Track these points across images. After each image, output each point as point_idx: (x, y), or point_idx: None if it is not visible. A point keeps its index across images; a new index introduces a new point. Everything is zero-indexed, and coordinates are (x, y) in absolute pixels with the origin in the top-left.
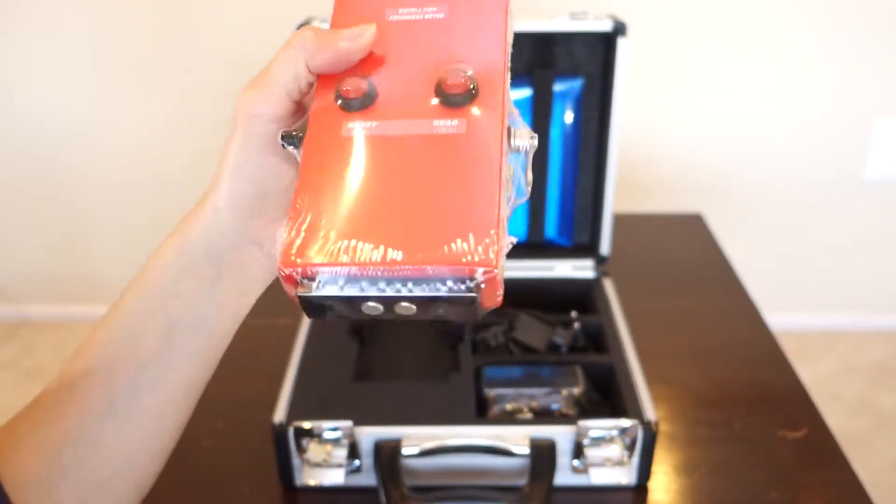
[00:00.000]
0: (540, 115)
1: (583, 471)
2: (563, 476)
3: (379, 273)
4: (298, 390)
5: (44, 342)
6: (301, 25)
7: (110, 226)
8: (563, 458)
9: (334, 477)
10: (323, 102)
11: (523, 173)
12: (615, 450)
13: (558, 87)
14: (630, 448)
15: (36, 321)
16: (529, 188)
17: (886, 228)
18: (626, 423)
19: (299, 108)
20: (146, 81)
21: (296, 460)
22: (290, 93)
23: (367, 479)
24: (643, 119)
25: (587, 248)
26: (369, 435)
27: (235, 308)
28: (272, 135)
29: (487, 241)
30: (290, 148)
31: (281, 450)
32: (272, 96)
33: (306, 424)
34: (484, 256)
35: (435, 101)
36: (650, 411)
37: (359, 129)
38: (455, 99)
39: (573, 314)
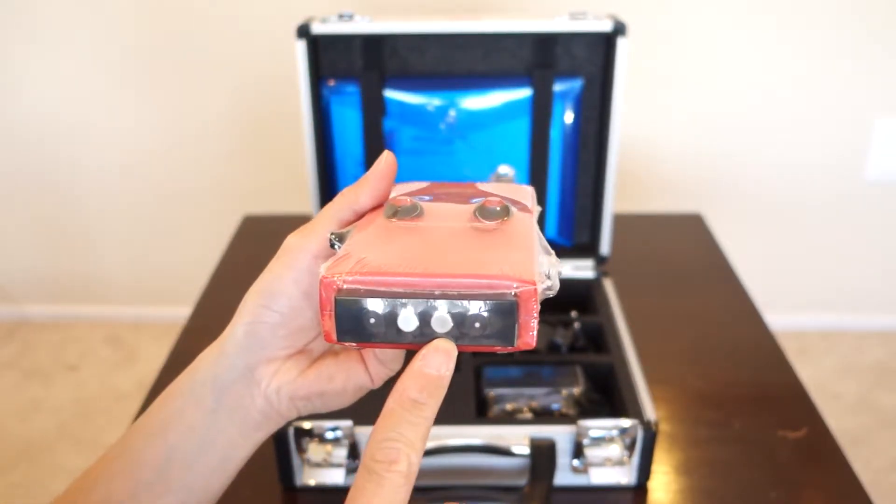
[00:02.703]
0: (540, 115)
1: (583, 471)
2: (563, 476)
3: (418, 282)
4: None
5: (44, 342)
6: (301, 26)
7: (110, 226)
8: (563, 458)
9: (334, 477)
10: (372, 214)
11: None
12: (615, 450)
13: (558, 87)
14: (630, 448)
15: (36, 321)
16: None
17: (886, 228)
18: (626, 423)
19: None
20: (147, 82)
21: (296, 460)
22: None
23: None
24: (643, 119)
25: (587, 248)
26: (369, 435)
27: (228, 448)
28: (309, 270)
29: (525, 268)
30: (338, 244)
31: (281, 450)
32: (318, 236)
33: (306, 424)
34: (522, 273)
35: (475, 217)
36: (650, 411)
37: (405, 222)
38: (493, 211)
39: (573, 314)
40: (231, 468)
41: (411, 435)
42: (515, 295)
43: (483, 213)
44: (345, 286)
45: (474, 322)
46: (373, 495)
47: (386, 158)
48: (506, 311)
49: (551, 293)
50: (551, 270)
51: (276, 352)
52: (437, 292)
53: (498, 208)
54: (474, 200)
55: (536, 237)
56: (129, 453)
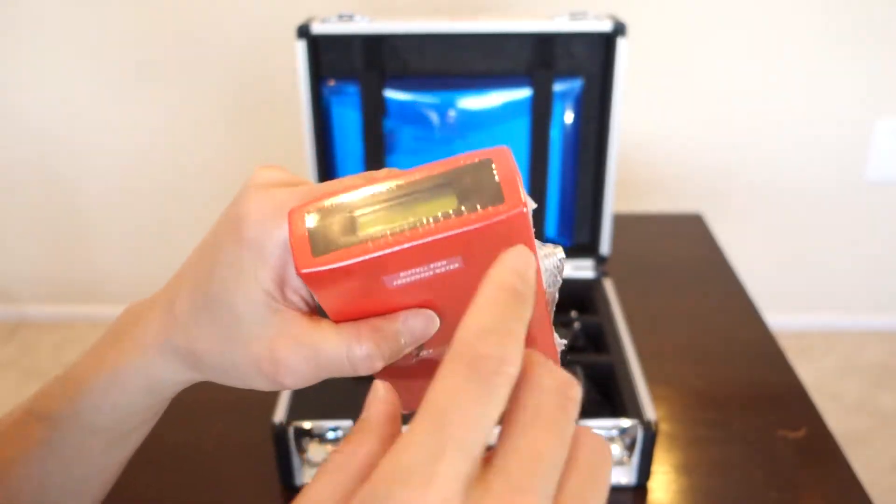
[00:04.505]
0: (540, 115)
1: None
2: None
3: None
4: (298, 390)
5: (44, 342)
6: (301, 26)
7: (110, 226)
8: None
9: None
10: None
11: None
12: (615, 450)
13: (558, 87)
14: (630, 448)
15: (36, 321)
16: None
17: (886, 228)
18: (626, 423)
19: None
20: (146, 83)
21: (296, 460)
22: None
23: None
24: (643, 119)
25: (587, 247)
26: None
27: None
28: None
29: None
30: None
31: (281, 450)
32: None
33: (306, 424)
34: None
35: None
36: (650, 411)
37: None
38: None
39: (573, 314)
40: None
41: (519, 333)
42: None
43: None
44: None
45: None
46: (475, 401)
47: (433, 329)
48: None
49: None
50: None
51: None
52: None
53: None
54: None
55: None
56: (87, 420)
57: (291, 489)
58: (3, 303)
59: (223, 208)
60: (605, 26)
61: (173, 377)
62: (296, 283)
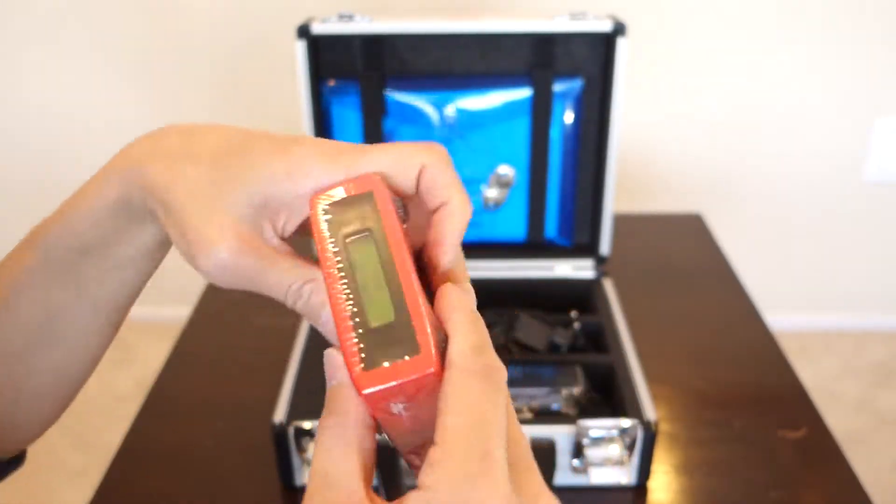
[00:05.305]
0: (540, 115)
1: (582, 471)
2: (563, 476)
3: None
4: (298, 390)
5: None
6: (301, 26)
7: None
8: (563, 457)
9: None
10: None
11: None
12: (615, 449)
13: (558, 87)
14: (630, 448)
15: None
16: None
17: (886, 228)
18: (626, 422)
19: None
20: (147, 82)
21: (296, 460)
22: None
23: None
24: (643, 119)
25: (587, 248)
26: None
27: None
28: None
29: None
30: None
31: (281, 450)
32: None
33: (306, 424)
34: None
35: None
36: (650, 411)
37: None
38: None
39: (573, 314)
40: None
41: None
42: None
43: None
44: None
45: None
46: (496, 403)
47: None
48: None
49: None
50: None
51: None
52: None
53: None
54: None
55: None
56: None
57: (291, 489)
58: None
59: None
60: (605, 26)
61: (136, 194)
62: (278, 225)
